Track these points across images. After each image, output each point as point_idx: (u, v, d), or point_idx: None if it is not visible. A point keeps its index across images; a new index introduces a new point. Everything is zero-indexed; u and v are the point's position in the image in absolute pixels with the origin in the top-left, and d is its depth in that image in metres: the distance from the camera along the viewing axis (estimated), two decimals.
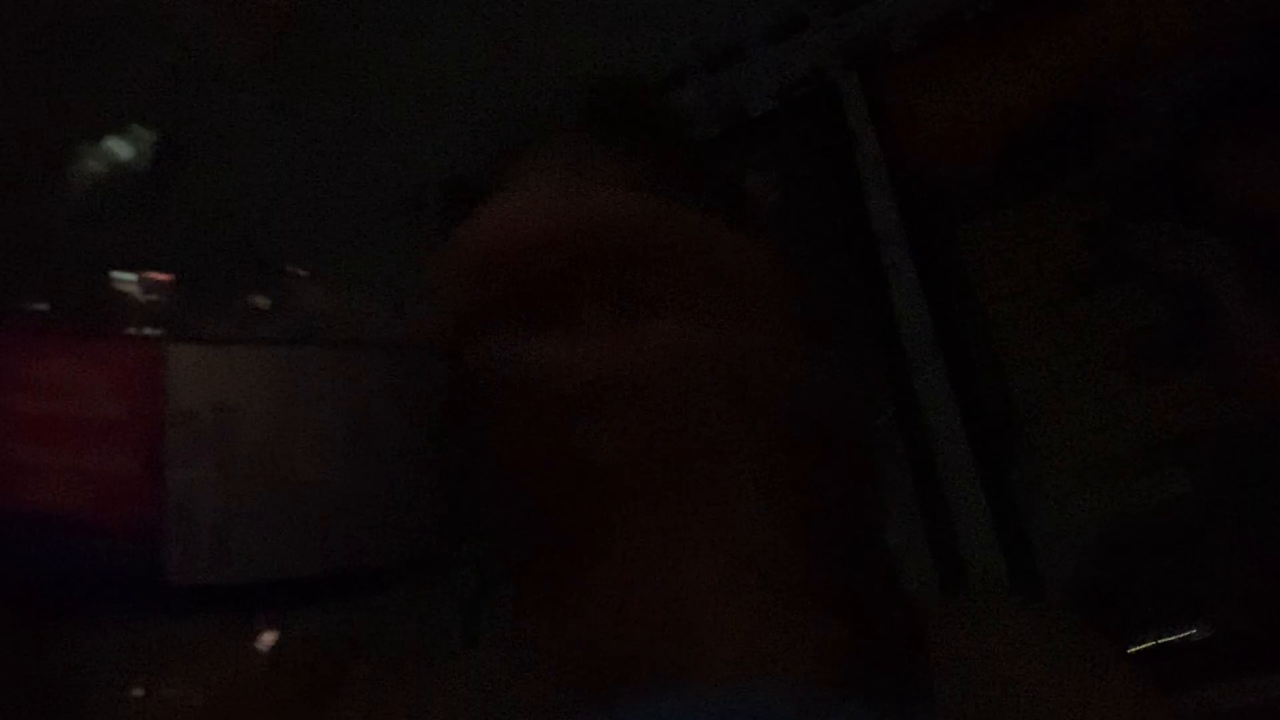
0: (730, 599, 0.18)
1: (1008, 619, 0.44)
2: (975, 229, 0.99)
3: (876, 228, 1.06)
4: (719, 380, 0.18)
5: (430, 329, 0.19)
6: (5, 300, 0.17)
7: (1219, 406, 0.80)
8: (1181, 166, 0.92)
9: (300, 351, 0.17)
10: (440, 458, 0.19)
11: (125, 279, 0.17)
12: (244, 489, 0.16)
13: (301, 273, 0.18)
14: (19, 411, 0.16)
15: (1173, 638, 0.73)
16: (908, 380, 0.94)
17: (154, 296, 0.17)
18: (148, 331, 0.16)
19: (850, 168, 1.12)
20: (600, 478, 0.19)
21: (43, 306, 0.17)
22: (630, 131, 0.49)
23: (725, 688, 0.17)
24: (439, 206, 0.54)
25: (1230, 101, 0.93)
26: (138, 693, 0.17)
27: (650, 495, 0.18)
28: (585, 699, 0.20)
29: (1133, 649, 0.74)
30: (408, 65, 1.45)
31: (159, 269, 0.17)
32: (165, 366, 0.16)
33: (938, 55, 1.14)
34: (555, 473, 0.20)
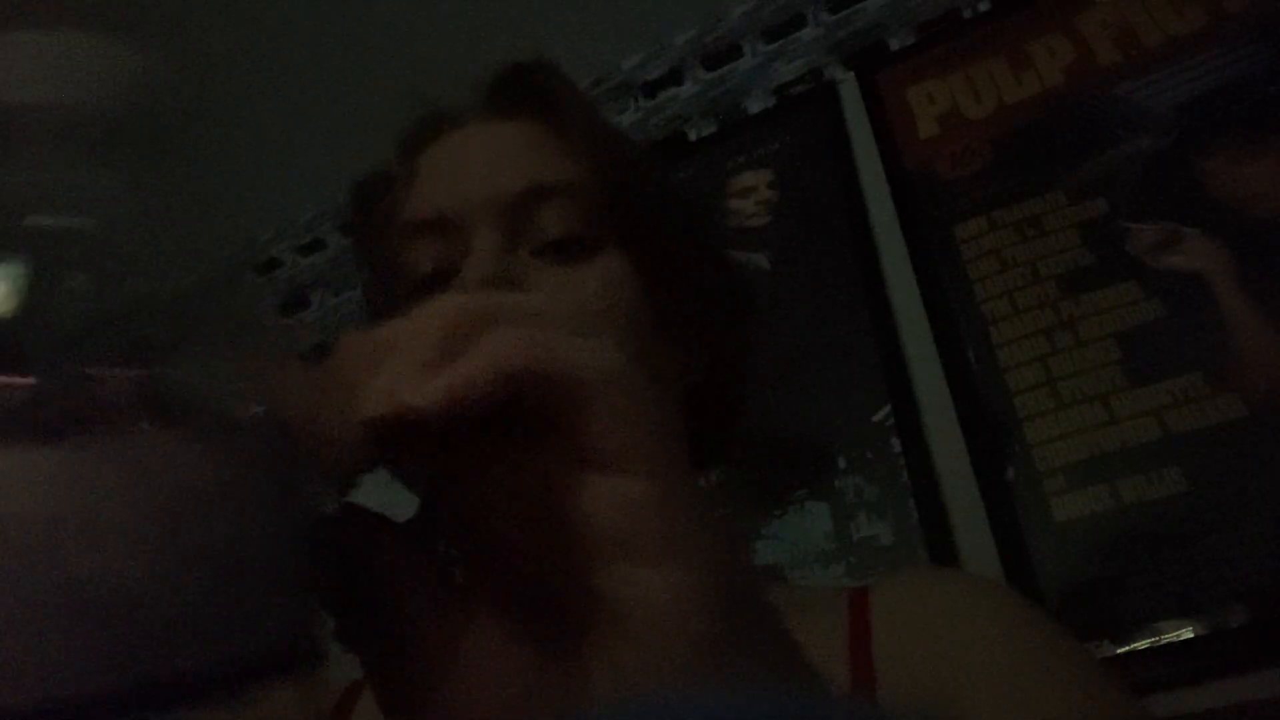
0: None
1: (950, 590, 0.43)
2: (972, 227, 0.99)
3: (873, 225, 1.06)
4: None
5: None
6: None
7: (1215, 405, 0.80)
8: (1179, 165, 0.92)
9: (70, 448, 0.16)
10: (290, 543, 0.18)
11: None
12: (10, 594, 0.14)
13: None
14: None
15: (1169, 635, 0.73)
16: (904, 378, 0.94)
17: None
18: None
19: (847, 166, 1.12)
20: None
21: None
22: (535, 113, 0.49)
23: (678, 692, 0.17)
24: (349, 219, 0.53)
25: (1227, 100, 0.93)
26: None
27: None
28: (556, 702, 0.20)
29: (1127, 647, 0.74)
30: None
31: None
32: None
33: (934, 53, 1.14)
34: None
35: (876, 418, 0.93)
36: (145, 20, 1.36)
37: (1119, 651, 0.74)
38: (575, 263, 0.45)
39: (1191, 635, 0.72)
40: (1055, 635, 0.41)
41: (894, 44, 1.21)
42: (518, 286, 0.43)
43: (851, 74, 1.20)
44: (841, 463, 0.92)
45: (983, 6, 1.15)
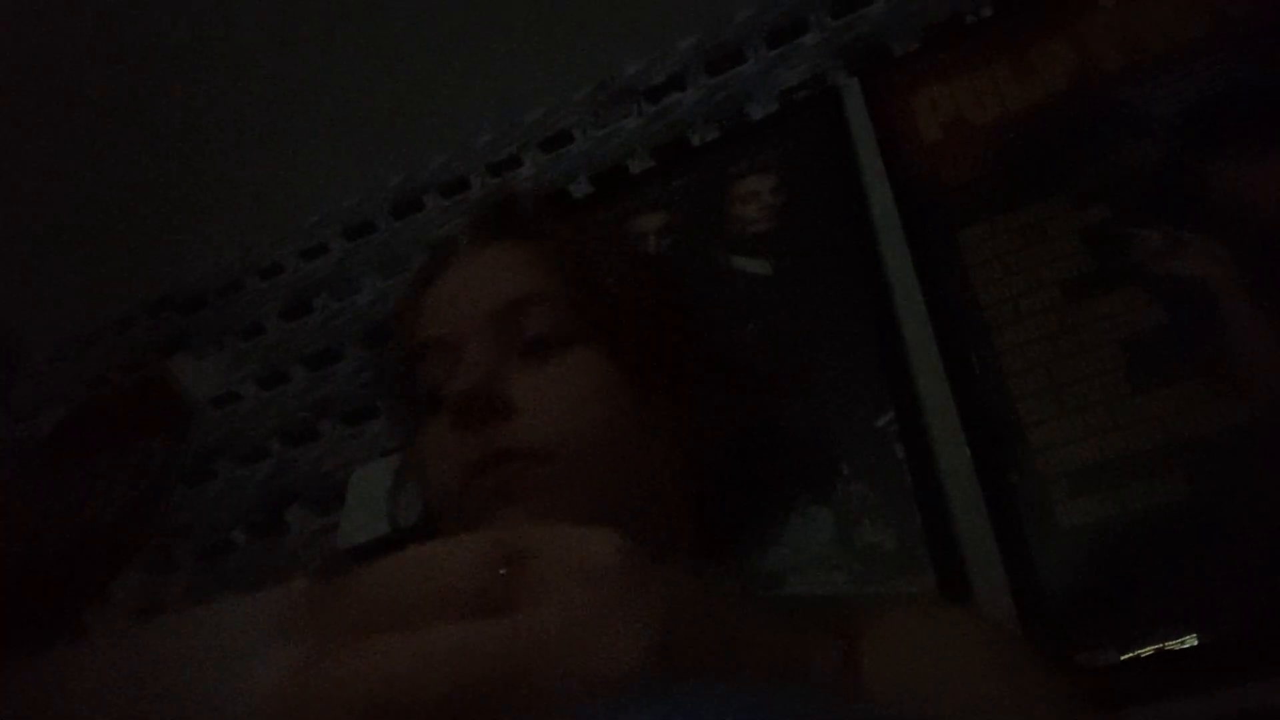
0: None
1: (936, 622, 0.45)
2: (975, 232, 0.99)
3: (876, 230, 1.06)
4: None
5: None
6: None
7: (1219, 411, 0.80)
8: (1182, 171, 0.92)
9: None
10: None
11: None
12: None
13: None
14: None
15: (1172, 643, 0.72)
16: (908, 383, 0.94)
17: None
18: None
19: (850, 171, 1.12)
20: None
21: None
22: (513, 235, 0.58)
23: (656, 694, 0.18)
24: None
25: (1231, 105, 0.93)
26: None
27: None
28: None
29: (1131, 654, 0.73)
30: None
31: None
32: None
33: (938, 59, 1.14)
34: None
35: (880, 423, 0.93)
36: (154, 24, 1.37)
37: (1122, 658, 0.74)
38: (551, 359, 0.51)
39: (1195, 643, 0.72)
40: (1015, 648, 0.44)
41: (897, 49, 1.20)
42: (502, 391, 0.49)
43: (855, 79, 1.20)
44: (844, 468, 0.92)
45: (986, 12, 1.15)
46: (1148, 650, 0.73)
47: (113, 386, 1.73)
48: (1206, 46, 0.97)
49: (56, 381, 1.84)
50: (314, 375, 1.46)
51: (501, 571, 0.21)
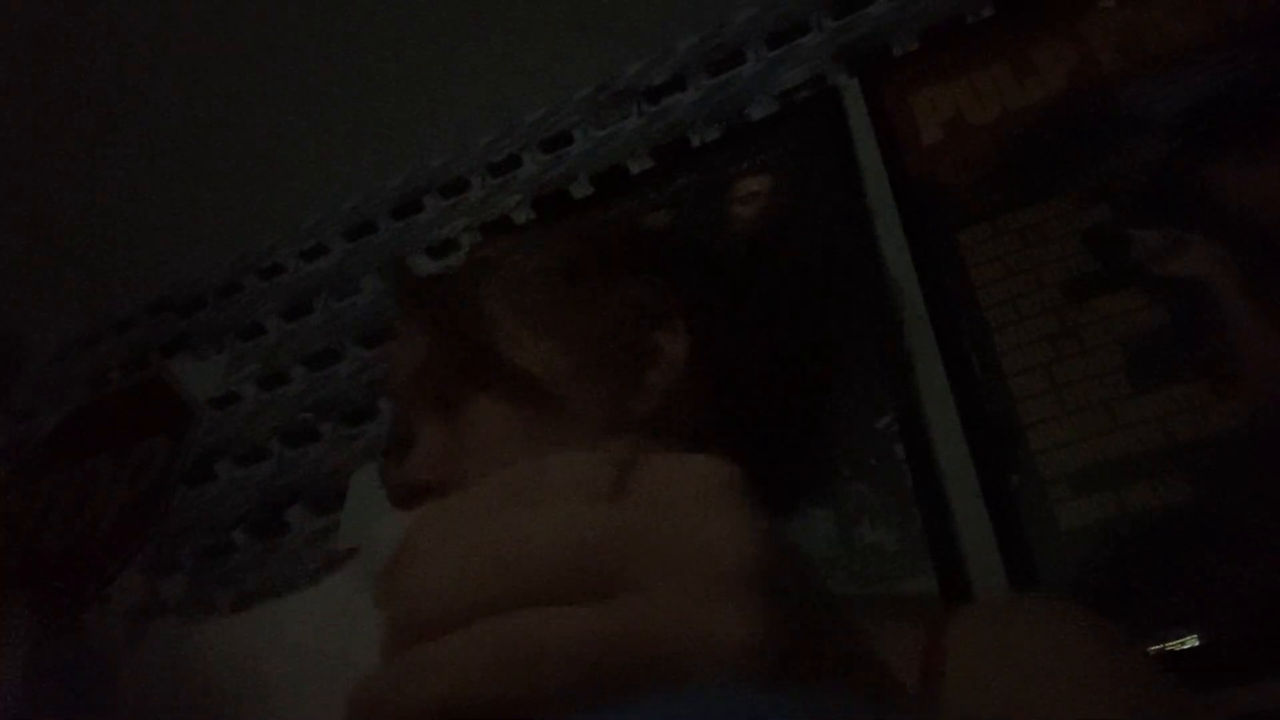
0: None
1: (1021, 615, 0.45)
2: (975, 232, 0.99)
3: (877, 232, 1.06)
4: None
5: None
6: None
7: (1219, 412, 0.80)
8: (1183, 171, 0.92)
9: None
10: None
11: None
12: None
13: None
14: None
15: (1173, 644, 0.72)
16: (908, 384, 0.94)
17: None
18: None
19: (850, 171, 1.12)
20: None
21: None
22: (407, 314, 0.60)
23: (709, 689, 0.17)
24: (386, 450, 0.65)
25: (1231, 106, 0.93)
26: None
27: None
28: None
29: None
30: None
31: None
32: None
33: (938, 59, 1.14)
34: None
35: (880, 424, 0.93)
36: (154, 24, 1.36)
37: None
38: (459, 417, 0.53)
39: (1196, 644, 0.72)
40: (1101, 632, 0.43)
41: (897, 50, 1.20)
42: (433, 466, 0.52)
43: (855, 80, 1.20)
44: (844, 469, 0.92)
45: (986, 12, 1.15)
46: (1148, 650, 0.73)
47: (113, 386, 1.73)
48: (1206, 46, 0.97)
49: (56, 381, 1.84)
50: (314, 375, 1.46)
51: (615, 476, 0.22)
